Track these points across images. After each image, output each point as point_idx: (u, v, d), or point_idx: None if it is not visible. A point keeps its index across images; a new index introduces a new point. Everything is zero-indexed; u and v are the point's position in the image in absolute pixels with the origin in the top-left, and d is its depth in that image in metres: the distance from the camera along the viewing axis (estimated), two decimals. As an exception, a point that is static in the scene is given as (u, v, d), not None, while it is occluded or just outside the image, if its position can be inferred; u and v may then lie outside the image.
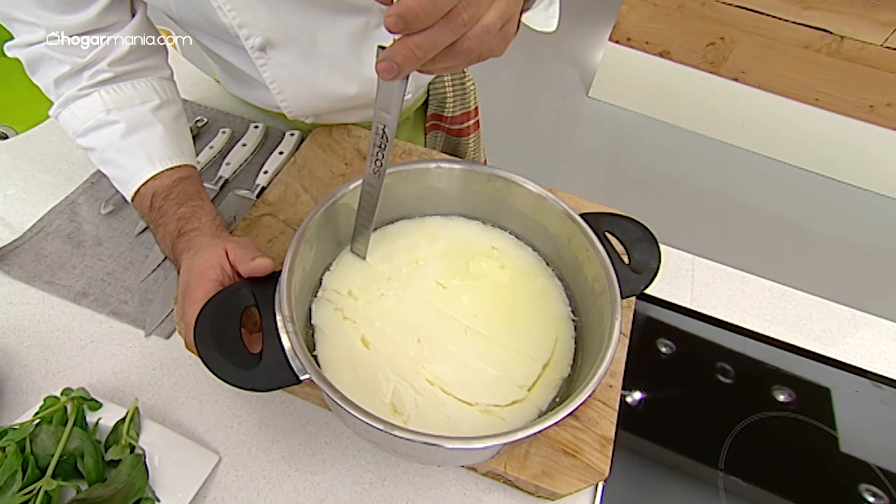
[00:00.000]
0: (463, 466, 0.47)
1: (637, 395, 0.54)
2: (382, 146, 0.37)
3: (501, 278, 0.49)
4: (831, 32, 1.58)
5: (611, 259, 0.43)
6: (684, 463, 0.51)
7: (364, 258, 0.48)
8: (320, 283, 0.47)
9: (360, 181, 0.46)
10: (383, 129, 0.35)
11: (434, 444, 0.33)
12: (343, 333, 0.44)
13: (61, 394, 0.44)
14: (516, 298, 0.48)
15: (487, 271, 0.49)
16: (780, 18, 1.62)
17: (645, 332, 0.58)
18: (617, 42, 1.91)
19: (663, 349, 0.58)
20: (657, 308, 0.60)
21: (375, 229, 0.51)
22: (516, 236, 0.52)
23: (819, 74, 1.67)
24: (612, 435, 0.45)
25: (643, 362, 0.56)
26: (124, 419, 0.43)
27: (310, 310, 0.45)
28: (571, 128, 2.03)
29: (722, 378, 0.56)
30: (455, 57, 0.29)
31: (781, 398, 0.55)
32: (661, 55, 1.87)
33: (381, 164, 0.38)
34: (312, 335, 0.44)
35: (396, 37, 0.28)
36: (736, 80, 1.81)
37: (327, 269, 0.48)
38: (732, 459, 0.50)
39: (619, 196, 1.79)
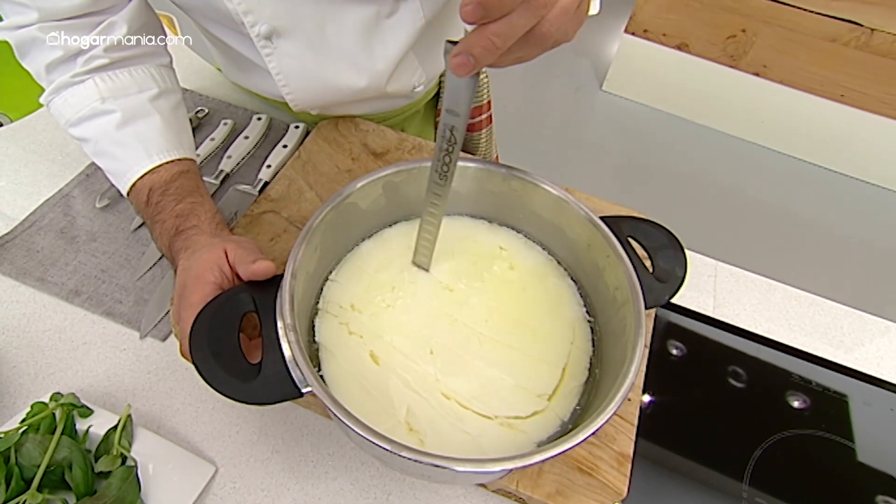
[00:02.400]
0: (472, 483, 0.44)
1: (646, 398, 0.53)
2: (450, 150, 0.35)
3: (511, 280, 0.46)
4: (861, 25, 1.52)
5: (635, 268, 0.40)
6: (699, 471, 0.49)
7: (428, 270, 0.46)
8: (321, 292, 0.44)
9: (368, 179, 0.44)
10: (451, 131, 0.33)
11: (444, 467, 0.31)
12: (350, 350, 0.41)
13: (50, 399, 0.42)
14: (528, 301, 0.45)
15: (496, 272, 0.46)
16: (805, 10, 1.56)
17: (656, 334, 0.57)
18: (633, 34, 1.86)
19: (674, 351, 0.56)
20: (670, 311, 0.58)
21: (373, 235, 0.48)
22: (525, 236, 0.49)
23: (846, 69, 1.61)
24: (631, 452, 0.43)
25: (654, 364, 0.54)
26: (116, 427, 0.41)
27: (313, 326, 0.43)
28: (583, 122, 1.98)
29: (734, 382, 0.54)
30: (532, 44, 0.27)
31: (796, 404, 0.53)
32: (678, 48, 1.82)
33: (449, 169, 0.36)
34: (317, 353, 0.41)
35: (469, 27, 0.26)
36: (757, 74, 1.75)
37: (328, 278, 0.45)
38: (757, 474, 0.49)
39: (632, 194, 1.75)
